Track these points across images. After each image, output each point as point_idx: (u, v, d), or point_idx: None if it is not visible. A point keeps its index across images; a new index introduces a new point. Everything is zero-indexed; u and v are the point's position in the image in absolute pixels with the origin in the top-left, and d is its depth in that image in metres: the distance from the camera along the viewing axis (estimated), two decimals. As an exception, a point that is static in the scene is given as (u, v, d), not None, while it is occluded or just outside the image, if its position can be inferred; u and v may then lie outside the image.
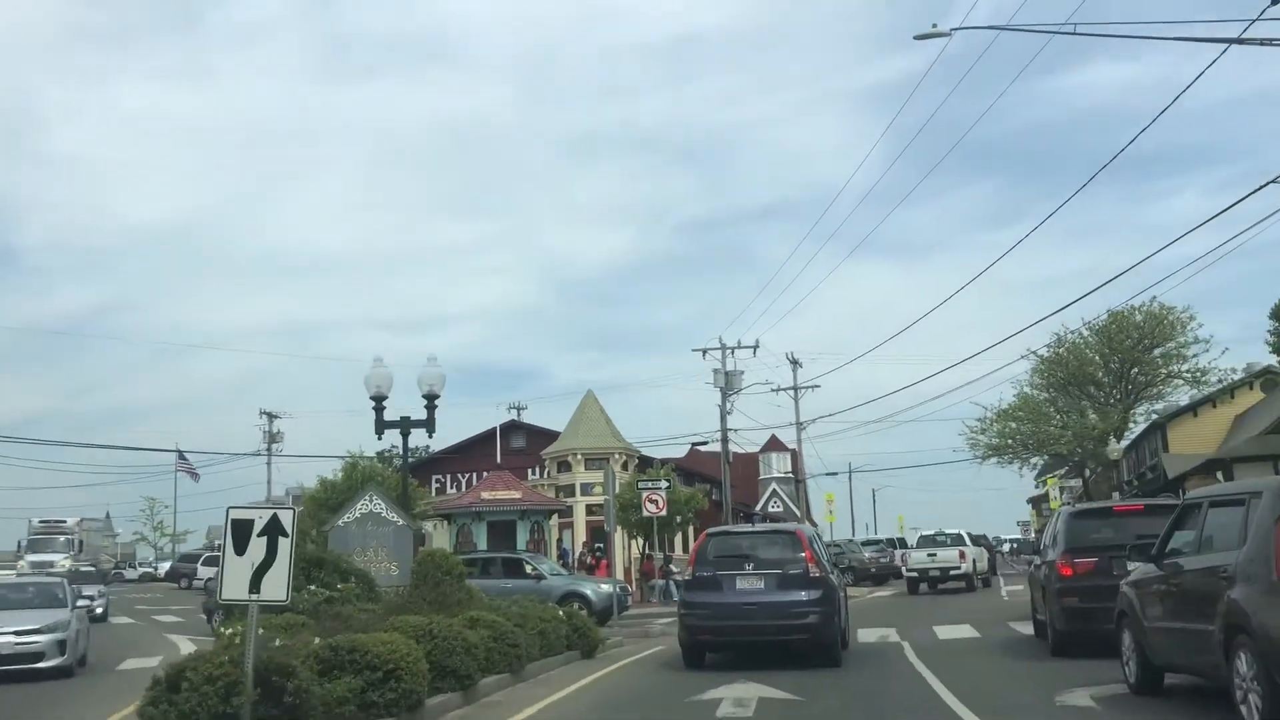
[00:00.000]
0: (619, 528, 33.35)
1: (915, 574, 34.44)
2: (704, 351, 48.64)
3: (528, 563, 23.94)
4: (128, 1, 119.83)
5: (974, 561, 34.54)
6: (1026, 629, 17.14)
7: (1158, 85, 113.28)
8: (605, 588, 22.73)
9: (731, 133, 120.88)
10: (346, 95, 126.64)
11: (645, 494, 29.49)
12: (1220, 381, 43.67)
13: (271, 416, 67.54)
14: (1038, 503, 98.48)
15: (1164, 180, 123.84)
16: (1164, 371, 45.35)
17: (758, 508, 78.19)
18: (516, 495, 29.66)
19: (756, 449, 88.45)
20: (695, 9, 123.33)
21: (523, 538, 29.51)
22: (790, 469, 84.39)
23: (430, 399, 17.27)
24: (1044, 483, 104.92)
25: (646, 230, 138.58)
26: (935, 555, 33.54)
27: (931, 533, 36.01)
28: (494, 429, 52.81)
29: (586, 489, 40.33)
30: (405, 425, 17.26)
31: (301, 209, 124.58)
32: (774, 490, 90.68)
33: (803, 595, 12.24)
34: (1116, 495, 41.10)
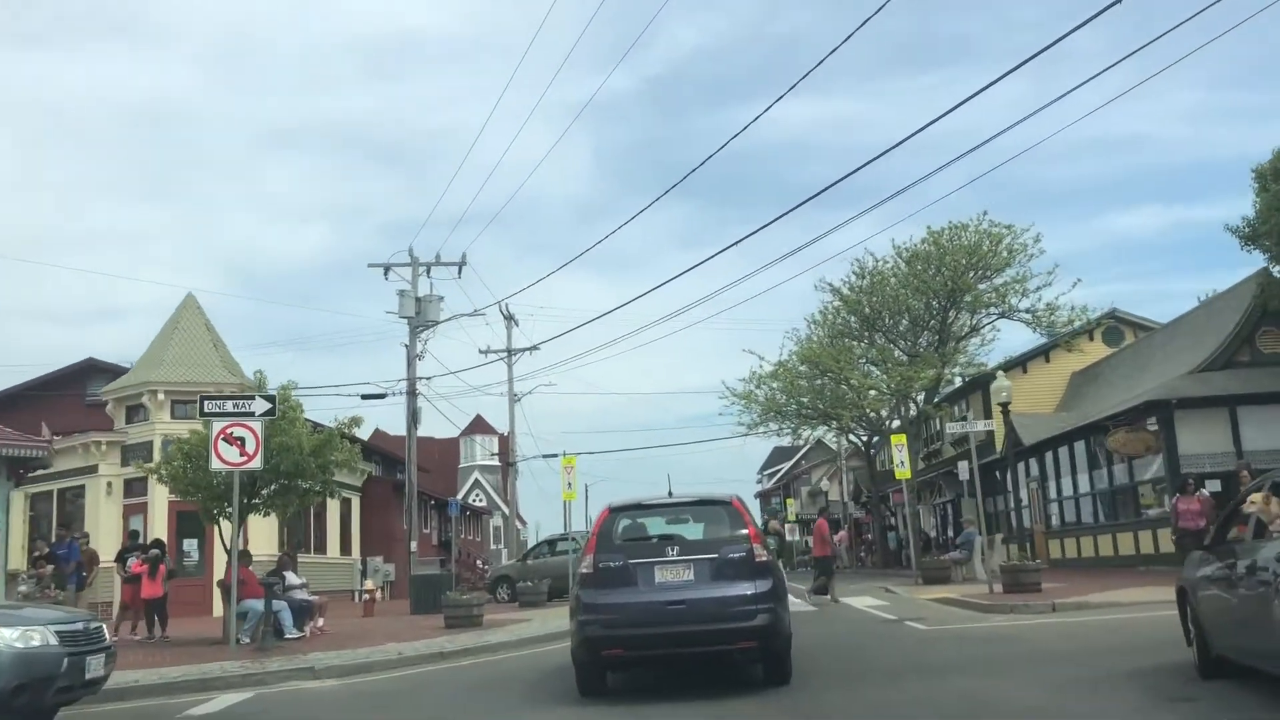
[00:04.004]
0: (166, 494, 17.86)
1: None
2: (386, 269, 33.23)
3: None
4: None
5: None
6: None
7: (839, 123, 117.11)
8: (35, 638, 7.67)
9: (439, 136, 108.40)
10: (5, 65, 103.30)
11: (218, 428, 14.28)
12: (1071, 323, 33.62)
13: None
14: (767, 499, 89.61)
15: (841, 211, 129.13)
16: (994, 310, 34.92)
17: (458, 497, 63.52)
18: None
19: (457, 432, 73.94)
20: (406, 8, 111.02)
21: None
22: (498, 452, 70.26)
23: None
24: (766, 478, 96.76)
25: (346, 229, 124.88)
26: None
27: None
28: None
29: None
30: None
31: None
32: (477, 479, 76.54)
33: (748, 588, 8.88)
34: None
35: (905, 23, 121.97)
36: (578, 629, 9.26)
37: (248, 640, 16.17)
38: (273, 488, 17.02)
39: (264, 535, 27.61)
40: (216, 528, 17.54)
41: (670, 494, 10.48)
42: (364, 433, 55.86)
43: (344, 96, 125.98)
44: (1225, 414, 22.27)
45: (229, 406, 14.39)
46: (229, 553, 17.65)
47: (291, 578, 18.24)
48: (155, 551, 19.15)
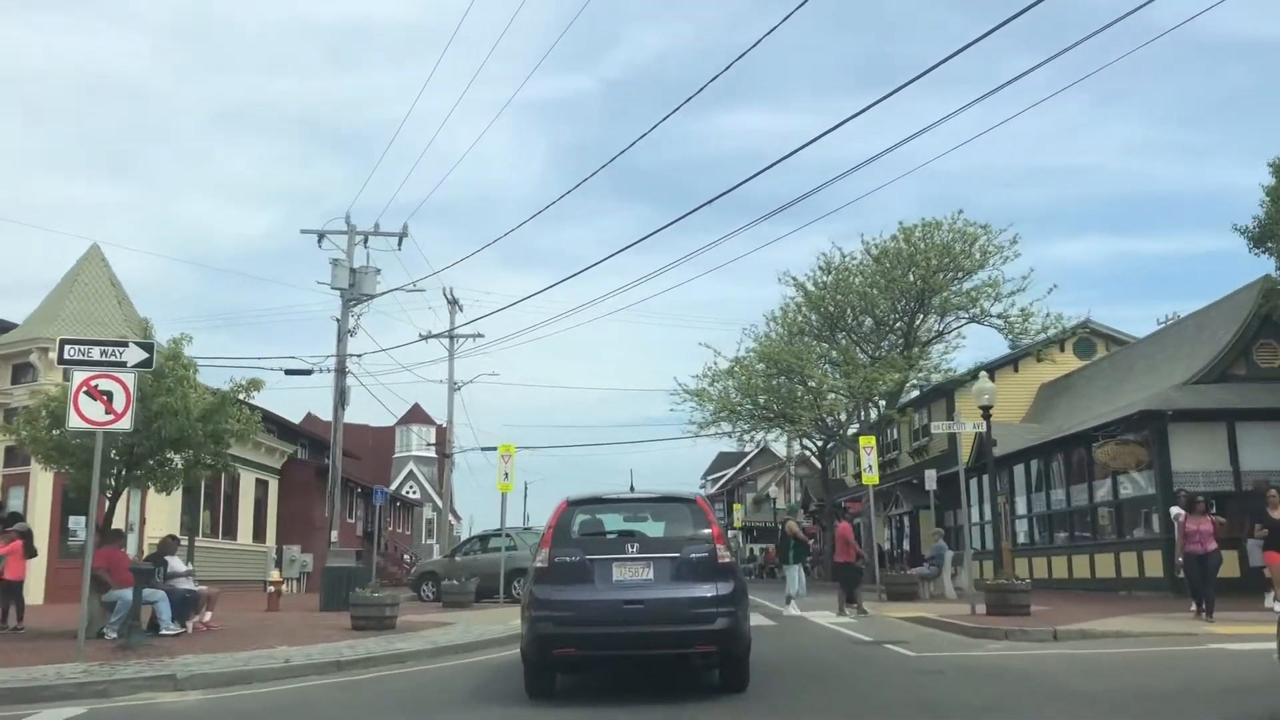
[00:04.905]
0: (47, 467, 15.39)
1: None
2: (320, 236, 30.53)
3: None
4: None
5: None
6: None
7: (797, 136, 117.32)
8: None
9: (395, 125, 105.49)
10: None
11: (81, 379, 11.82)
12: (1045, 330, 31.98)
13: None
14: (710, 505, 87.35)
15: (788, 225, 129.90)
16: (966, 314, 33.19)
17: (391, 488, 60.69)
18: None
19: (393, 421, 71.08)
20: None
21: None
22: (434, 443, 67.41)
23: None
24: (710, 483, 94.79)
25: (298, 213, 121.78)
26: None
27: None
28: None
29: (60, 414, 21.55)
30: None
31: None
32: (411, 470, 73.67)
33: (708, 590, 8.62)
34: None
35: (864, 44, 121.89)
36: (529, 626, 8.84)
37: (114, 636, 13.69)
38: (158, 458, 14.58)
39: (165, 515, 25.04)
40: (106, 502, 15.05)
41: (632, 489, 10.00)
42: (295, 416, 52.99)
43: (302, 80, 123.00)
44: (1223, 429, 20.55)
45: (95, 353, 11.91)
46: (101, 532, 15.19)
47: (176, 564, 15.78)
48: (23, 525, 16.58)
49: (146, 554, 18.94)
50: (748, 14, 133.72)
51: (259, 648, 12.88)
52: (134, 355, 12.02)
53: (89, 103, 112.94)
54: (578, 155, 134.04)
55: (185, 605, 15.12)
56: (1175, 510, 16.30)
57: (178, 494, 25.73)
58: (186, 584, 15.57)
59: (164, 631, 14.28)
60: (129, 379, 11.88)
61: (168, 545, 15.82)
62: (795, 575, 20.03)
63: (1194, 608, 14.96)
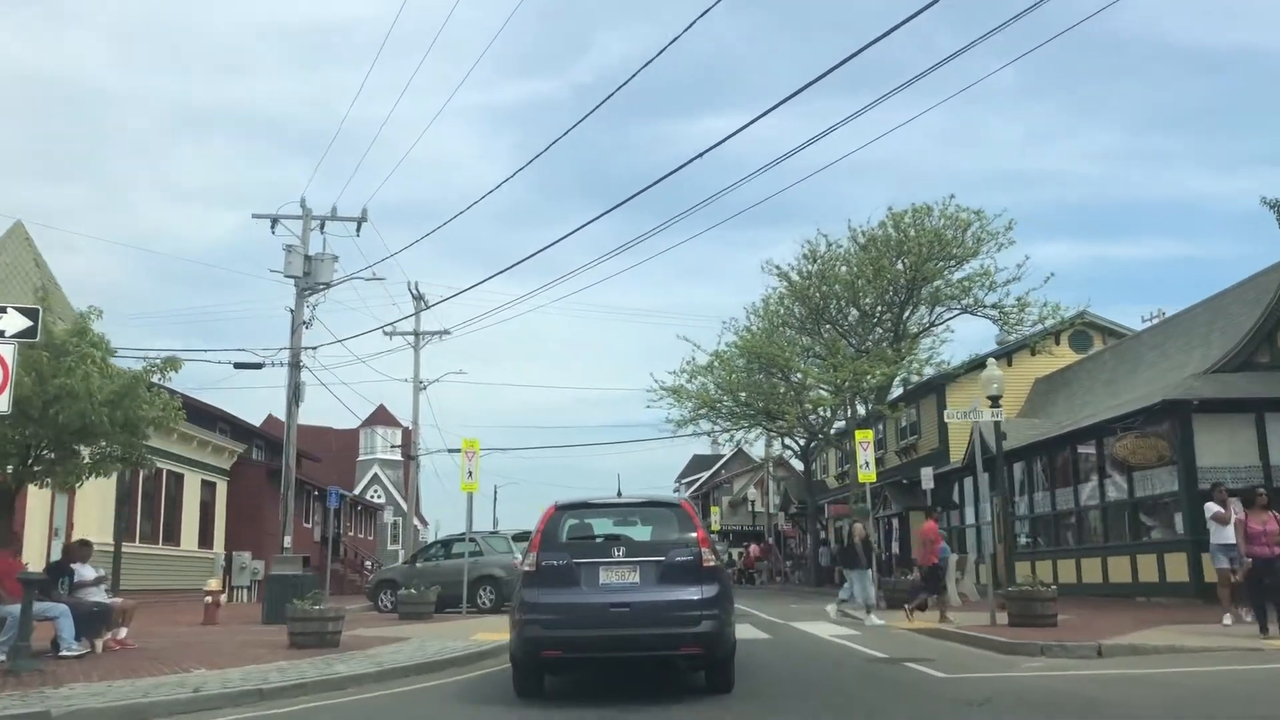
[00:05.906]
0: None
1: None
2: (273, 221, 28.47)
3: None
4: None
5: None
6: None
7: (768, 140, 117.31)
8: None
9: (360, 128, 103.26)
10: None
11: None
12: (1042, 320, 30.39)
13: None
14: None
15: (767, 230, 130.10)
16: (958, 304, 31.56)
17: (355, 492, 58.42)
18: None
19: (357, 423, 68.80)
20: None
21: None
22: (400, 444, 65.10)
23: None
24: (684, 486, 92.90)
25: (254, 215, 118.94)
26: None
27: None
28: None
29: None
30: None
31: None
32: (376, 474, 71.32)
33: (694, 593, 8.81)
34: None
35: (837, 47, 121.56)
36: (518, 629, 9.04)
37: (3, 658, 11.62)
38: (59, 450, 12.56)
39: (96, 518, 22.95)
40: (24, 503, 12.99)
41: (619, 494, 10.30)
42: (255, 418, 50.67)
43: (262, 81, 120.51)
44: (1251, 420, 18.95)
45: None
46: (-6, 536, 13.13)
47: (85, 572, 13.71)
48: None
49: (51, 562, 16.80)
50: (717, 21, 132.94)
51: (172, 671, 10.90)
52: (13, 323, 10.02)
53: (42, 101, 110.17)
54: (548, 158, 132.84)
55: (94, 621, 13.04)
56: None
57: (110, 496, 23.65)
58: (96, 595, 13.53)
59: (64, 652, 12.23)
60: (6, 351, 9.87)
61: (75, 551, 13.75)
62: (865, 580, 17.83)
63: (1251, 619, 13.24)
